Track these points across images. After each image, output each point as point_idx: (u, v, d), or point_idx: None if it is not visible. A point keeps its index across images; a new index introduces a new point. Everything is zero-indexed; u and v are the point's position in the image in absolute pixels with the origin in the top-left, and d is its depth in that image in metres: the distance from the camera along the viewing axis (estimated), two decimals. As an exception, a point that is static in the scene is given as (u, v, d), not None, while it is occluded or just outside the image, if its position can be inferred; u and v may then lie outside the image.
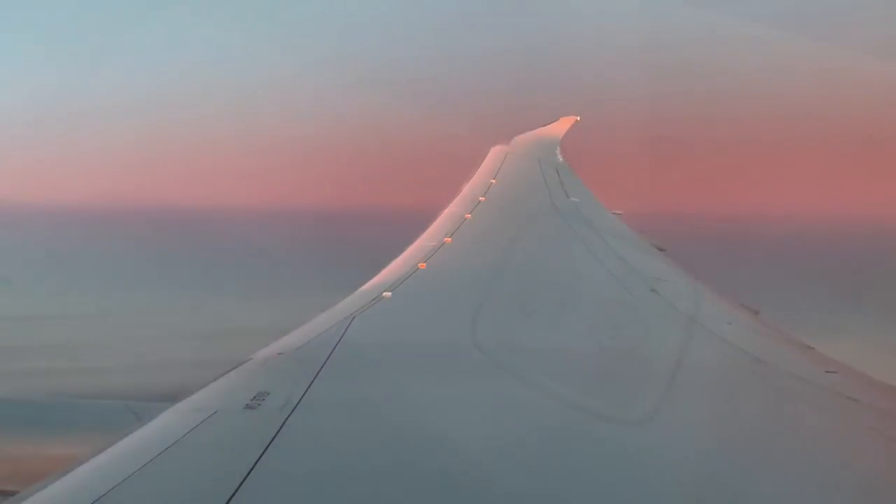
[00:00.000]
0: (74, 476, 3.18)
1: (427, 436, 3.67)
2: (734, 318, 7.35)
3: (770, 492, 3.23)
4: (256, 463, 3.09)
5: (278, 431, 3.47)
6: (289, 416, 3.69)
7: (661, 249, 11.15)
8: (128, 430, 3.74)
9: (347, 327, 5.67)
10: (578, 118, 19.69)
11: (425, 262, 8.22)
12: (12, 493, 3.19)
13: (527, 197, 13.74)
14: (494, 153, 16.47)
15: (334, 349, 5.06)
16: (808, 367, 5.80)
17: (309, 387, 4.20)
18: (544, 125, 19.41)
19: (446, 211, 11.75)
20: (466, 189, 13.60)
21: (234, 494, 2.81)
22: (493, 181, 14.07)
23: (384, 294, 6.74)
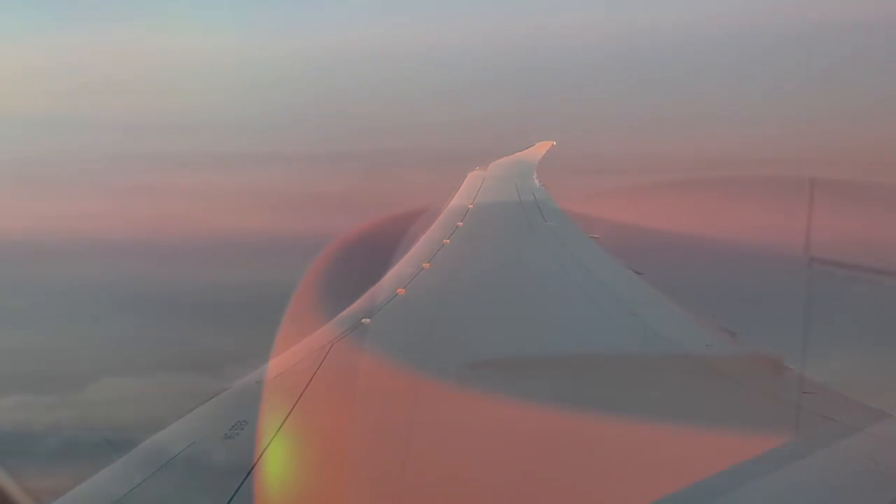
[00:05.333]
0: None
1: (405, 464, 3.66)
2: (711, 341, 7.39)
3: None
4: (235, 493, 3.07)
5: (257, 461, 3.45)
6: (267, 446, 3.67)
7: (638, 273, 11.20)
8: (107, 462, 3.70)
9: (326, 354, 5.65)
10: (554, 143, 19.87)
11: (404, 287, 8.21)
12: None
13: (504, 221, 13.80)
14: (472, 178, 16.58)
15: (313, 377, 5.04)
16: (785, 388, 5.84)
17: (287, 416, 4.18)
18: (521, 150, 19.56)
19: (424, 236, 11.77)
20: (444, 214, 13.65)
21: None
22: (471, 206, 14.13)
23: (363, 320, 6.72)
